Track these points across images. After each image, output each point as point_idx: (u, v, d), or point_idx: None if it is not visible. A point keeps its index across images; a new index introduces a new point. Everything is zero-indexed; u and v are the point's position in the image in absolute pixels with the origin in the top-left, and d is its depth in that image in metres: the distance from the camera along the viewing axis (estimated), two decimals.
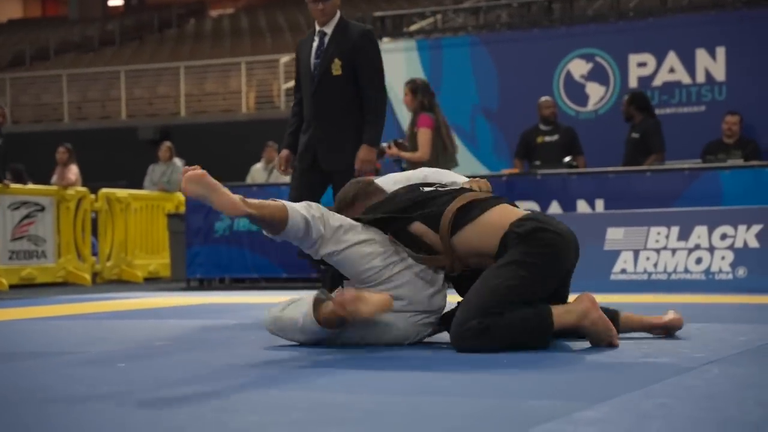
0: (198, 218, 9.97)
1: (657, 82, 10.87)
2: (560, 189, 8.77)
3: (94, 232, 12.04)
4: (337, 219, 3.94)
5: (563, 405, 2.62)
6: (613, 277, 7.92)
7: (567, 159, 9.54)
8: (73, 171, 12.87)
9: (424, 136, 8.21)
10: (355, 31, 5.95)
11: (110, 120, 22.22)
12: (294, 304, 4.00)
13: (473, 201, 3.93)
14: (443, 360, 3.65)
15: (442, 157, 8.20)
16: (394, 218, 3.95)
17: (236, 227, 9.79)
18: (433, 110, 8.35)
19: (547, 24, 11.85)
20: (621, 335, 4.02)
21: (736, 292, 7.31)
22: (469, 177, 4.40)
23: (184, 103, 21.97)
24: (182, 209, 11.30)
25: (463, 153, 11.44)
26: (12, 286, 10.29)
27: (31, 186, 11.77)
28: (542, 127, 10.18)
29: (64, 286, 10.89)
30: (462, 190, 4.04)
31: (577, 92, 11.24)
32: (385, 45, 12.09)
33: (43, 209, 11.11)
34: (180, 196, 12.36)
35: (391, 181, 4.28)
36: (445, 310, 4.06)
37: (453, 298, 4.11)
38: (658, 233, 7.90)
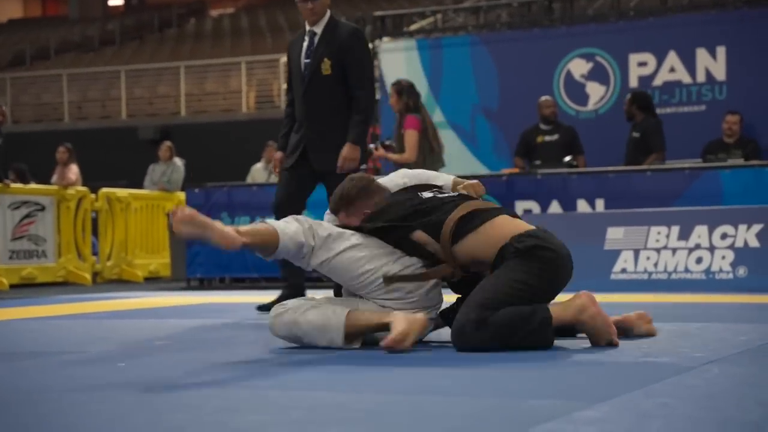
0: None
1: (657, 81, 10.87)
2: (560, 188, 8.77)
3: (95, 231, 12.03)
4: (325, 228, 3.94)
5: (563, 405, 2.62)
6: (613, 276, 7.92)
7: (567, 158, 9.53)
8: (74, 171, 12.87)
9: (410, 137, 8.21)
10: (345, 30, 5.95)
11: (110, 120, 22.23)
12: (315, 309, 3.92)
13: (475, 210, 3.94)
14: (443, 359, 3.65)
15: (429, 158, 8.20)
16: (395, 227, 3.95)
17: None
18: (419, 111, 8.34)
19: (548, 23, 11.84)
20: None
21: (737, 291, 7.31)
22: (468, 177, 4.40)
23: (184, 102, 21.97)
24: None
25: (463, 153, 11.48)
26: (12, 286, 10.29)
27: (31, 186, 11.77)
28: (542, 126, 10.17)
29: (65, 285, 10.90)
30: (464, 198, 4.04)
31: (578, 92, 11.24)
32: (385, 44, 12.09)
33: (43, 209, 11.11)
34: (180, 196, 12.36)
35: (391, 183, 4.26)
36: (443, 307, 4.08)
37: (449, 298, 4.12)
38: (659, 233, 7.90)
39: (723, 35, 10.67)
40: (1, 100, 18.93)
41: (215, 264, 9.98)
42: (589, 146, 10.15)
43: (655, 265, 7.83)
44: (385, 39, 12.15)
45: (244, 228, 3.83)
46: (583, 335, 3.94)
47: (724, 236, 7.71)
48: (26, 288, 10.33)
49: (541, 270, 3.80)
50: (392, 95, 8.46)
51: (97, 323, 5.87)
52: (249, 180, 12.96)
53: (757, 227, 7.64)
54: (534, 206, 8.70)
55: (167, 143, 13.69)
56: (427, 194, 4.07)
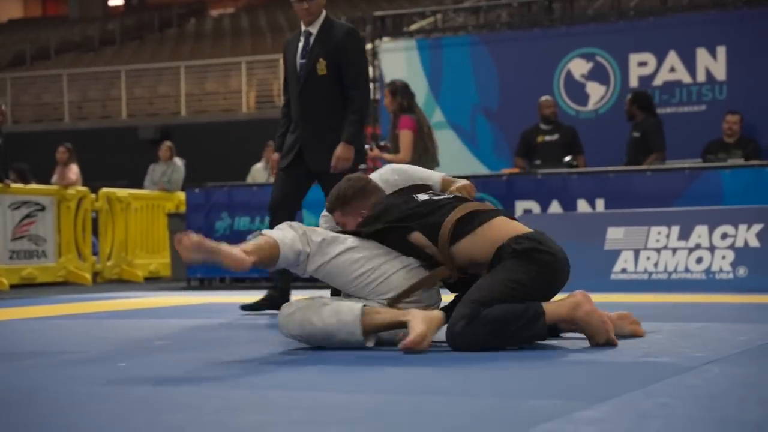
0: (198, 217, 9.97)
1: (657, 81, 10.87)
2: (560, 188, 8.77)
3: (95, 231, 12.03)
4: (319, 234, 3.95)
5: (563, 405, 2.61)
6: (613, 276, 7.92)
7: (567, 158, 9.54)
8: (74, 170, 12.87)
9: (405, 137, 8.21)
10: (340, 30, 5.96)
11: (110, 120, 22.23)
12: (327, 306, 3.89)
13: (473, 212, 3.94)
14: (443, 359, 3.65)
15: (424, 158, 8.20)
16: (393, 228, 3.95)
17: (237, 226, 9.79)
18: (414, 111, 8.35)
19: (548, 23, 11.85)
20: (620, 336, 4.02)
21: (737, 291, 7.31)
22: (468, 177, 4.40)
23: (184, 102, 21.97)
24: (182, 209, 11.30)
25: (463, 153, 11.48)
26: (12, 286, 10.28)
27: (31, 186, 11.77)
28: (542, 126, 10.17)
29: (65, 285, 10.89)
30: (460, 200, 4.05)
31: (578, 92, 11.24)
32: (385, 44, 12.09)
33: (43, 209, 11.11)
34: (180, 196, 12.36)
35: (381, 180, 4.27)
36: (442, 305, 4.08)
37: (447, 297, 4.12)
38: (659, 233, 7.90)
39: (723, 35, 10.67)
40: (1, 100, 18.93)
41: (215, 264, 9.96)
42: (589, 146, 10.15)
43: (656, 265, 7.83)
44: (385, 39, 12.15)
45: (248, 246, 3.84)
46: (583, 336, 3.94)
47: (724, 236, 7.71)
48: (26, 288, 10.33)
49: (538, 273, 3.80)
50: (386, 96, 8.47)
51: (97, 323, 5.87)
52: (249, 180, 12.96)
53: (757, 227, 7.63)
54: (534, 206, 8.70)
55: (167, 143, 13.69)
56: (422, 196, 4.08)
